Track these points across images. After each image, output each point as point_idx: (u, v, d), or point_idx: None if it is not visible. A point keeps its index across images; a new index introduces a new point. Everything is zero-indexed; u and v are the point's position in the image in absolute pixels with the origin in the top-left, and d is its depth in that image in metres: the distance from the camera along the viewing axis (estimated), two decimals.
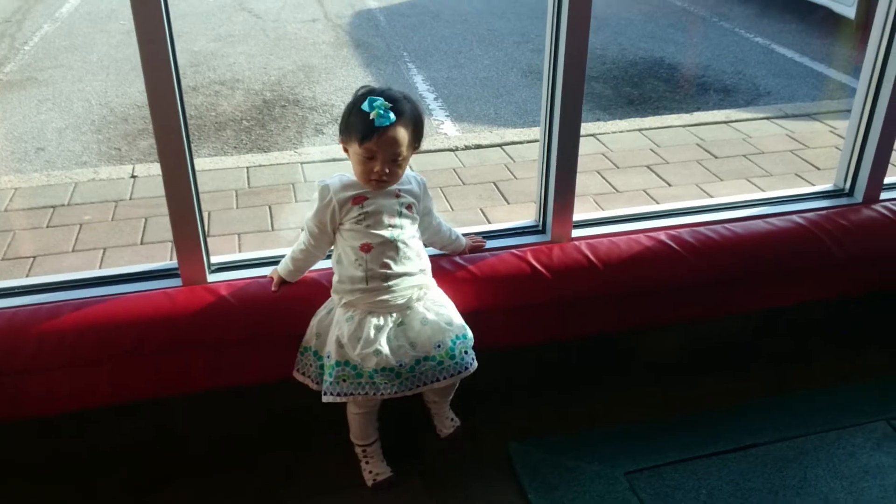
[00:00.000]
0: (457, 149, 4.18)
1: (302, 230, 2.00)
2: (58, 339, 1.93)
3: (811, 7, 6.76)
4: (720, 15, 7.17)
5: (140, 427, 2.17)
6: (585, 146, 4.16)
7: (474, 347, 1.96)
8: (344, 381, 1.87)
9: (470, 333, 1.96)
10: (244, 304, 2.03)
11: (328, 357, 1.91)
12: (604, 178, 3.80)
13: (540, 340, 2.29)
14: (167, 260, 2.78)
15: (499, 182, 3.79)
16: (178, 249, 2.08)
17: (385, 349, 1.85)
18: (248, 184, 3.82)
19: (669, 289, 2.30)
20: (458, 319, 1.97)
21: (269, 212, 3.53)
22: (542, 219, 2.42)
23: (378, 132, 1.82)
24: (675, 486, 2.03)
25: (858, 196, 2.62)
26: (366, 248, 1.90)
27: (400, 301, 1.91)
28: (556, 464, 2.11)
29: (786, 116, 4.61)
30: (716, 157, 4.04)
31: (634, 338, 2.46)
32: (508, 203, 3.59)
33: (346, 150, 1.92)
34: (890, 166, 2.61)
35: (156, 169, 3.26)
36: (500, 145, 4.23)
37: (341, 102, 5.07)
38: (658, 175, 3.84)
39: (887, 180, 2.62)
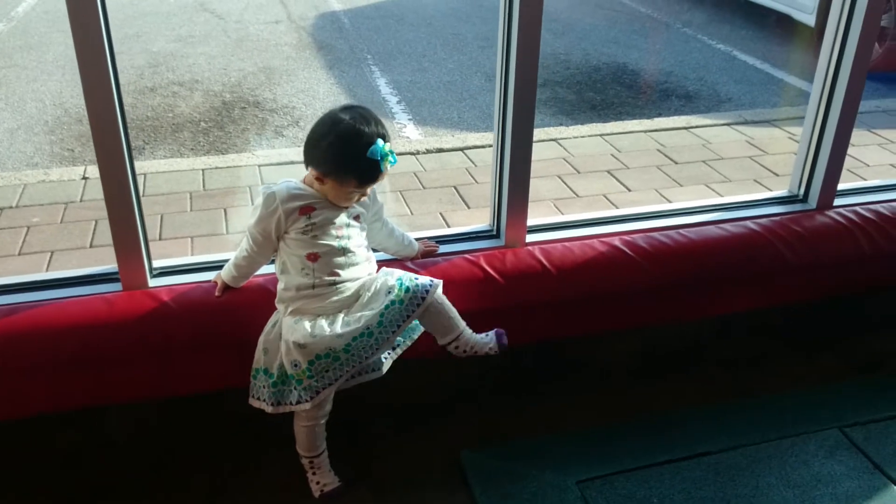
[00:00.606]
0: (418, 152, 4.14)
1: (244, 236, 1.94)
2: None
3: (772, 15, 6.83)
4: (684, 21, 7.21)
5: (76, 437, 2.10)
6: (547, 151, 4.17)
7: (424, 353, 1.91)
8: (326, 371, 1.82)
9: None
10: (187, 310, 1.97)
11: (295, 366, 1.83)
12: (564, 182, 3.78)
13: None
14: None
15: (459, 186, 3.75)
16: (117, 253, 2.02)
17: (351, 321, 1.82)
18: (204, 186, 3.74)
19: (624, 294, 2.28)
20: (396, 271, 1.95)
21: (224, 215, 3.46)
22: (496, 223, 2.39)
23: (382, 174, 1.84)
24: (627, 496, 2.00)
25: (812, 202, 2.63)
26: (312, 258, 1.85)
27: (348, 294, 1.87)
28: (509, 471, 2.07)
29: (746, 123, 4.64)
30: (676, 163, 4.05)
31: (589, 343, 2.44)
32: (469, 207, 3.56)
33: (321, 179, 1.84)
34: (844, 172, 2.62)
35: None
36: (461, 149, 4.19)
37: (302, 104, 5.01)
38: (618, 180, 3.83)
39: (841, 186, 2.63)
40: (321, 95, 5.21)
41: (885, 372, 2.54)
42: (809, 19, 6.26)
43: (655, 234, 2.36)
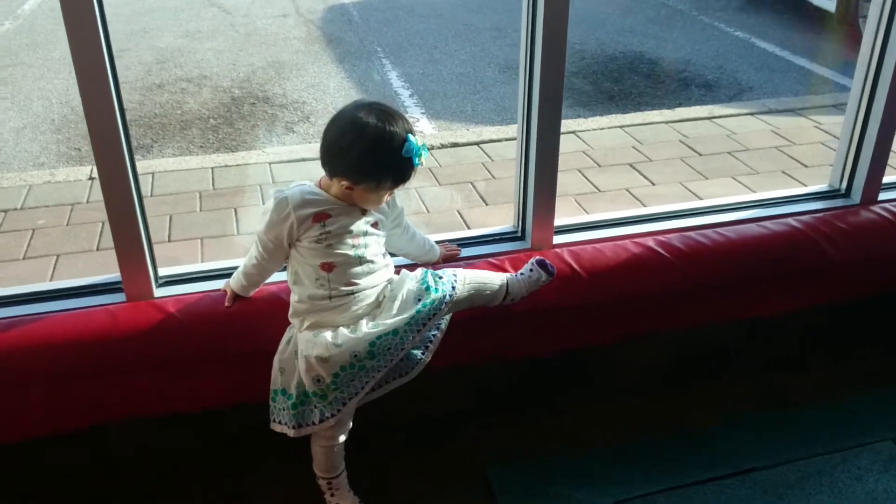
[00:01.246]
0: (433, 147, 4.01)
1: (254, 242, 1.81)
2: None
3: (790, 0, 6.66)
4: (699, 9, 7.04)
5: (76, 453, 1.98)
6: (566, 144, 4.00)
7: (447, 363, 1.79)
8: (352, 381, 1.71)
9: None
10: (194, 322, 1.85)
11: (317, 381, 1.70)
12: (585, 177, 3.65)
13: (519, 355, 2.13)
14: None
15: (476, 182, 3.63)
16: (120, 262, 1.90)
17: (378, 324, 1.71)
18: (213, 185, 3.63)
19: (658, 298, 2.15)
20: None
21: (235, 215, 3.34)
22: (520, 224, 2.26)
23: (415, 170, 1.73)
24: None
25: (856, 197, 2.49)
26: (327, 268, 1.71)
27: (369, 301, 1.75)
28: (541, 491, 1.95)
29: (769, 112, 4.49)
30: (700, 155, 3.90)
31: (619, 349, 2.30)
32: (487, 204, 3.43)
33: (351, 188, 1.70)
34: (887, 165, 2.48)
35: None
36: (477, 143, 4.06)
37: (313, 99, 4.89)
38: (641, 173, 3.69)
39: (886, 180, 2.49)
40: (332, 90, 5.09)
41: None
42: (830, 4, 6.10)
43: (691, 234, 2.22)
